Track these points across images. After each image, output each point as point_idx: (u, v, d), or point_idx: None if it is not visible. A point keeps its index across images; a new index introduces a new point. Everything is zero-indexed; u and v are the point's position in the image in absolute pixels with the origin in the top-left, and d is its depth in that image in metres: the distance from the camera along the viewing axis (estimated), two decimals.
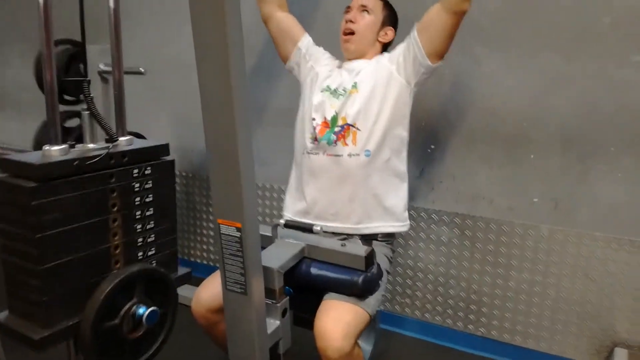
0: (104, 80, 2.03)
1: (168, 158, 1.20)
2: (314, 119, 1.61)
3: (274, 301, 1.30)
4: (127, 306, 1.13)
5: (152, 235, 1.18)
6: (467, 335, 2.08)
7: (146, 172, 1.16)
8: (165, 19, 2.59)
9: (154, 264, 1.21)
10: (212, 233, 2.69)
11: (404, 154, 1.63)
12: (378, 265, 1.40)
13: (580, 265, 1.83)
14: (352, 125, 1.55)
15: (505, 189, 1.93)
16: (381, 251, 1.55)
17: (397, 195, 1.60)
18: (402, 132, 1.60)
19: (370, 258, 1.35)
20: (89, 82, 1.10)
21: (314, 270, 1.39)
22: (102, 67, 2.00)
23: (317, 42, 1.79)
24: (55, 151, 1.07)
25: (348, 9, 1.68)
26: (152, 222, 1.18)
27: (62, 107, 2.07)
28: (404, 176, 1.63)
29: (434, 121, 2.01)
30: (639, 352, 1.77)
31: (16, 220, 1.04)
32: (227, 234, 1.19)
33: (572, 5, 1.74)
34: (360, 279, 1.33)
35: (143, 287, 1.15)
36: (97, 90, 2.03)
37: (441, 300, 2.12)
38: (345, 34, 1.65)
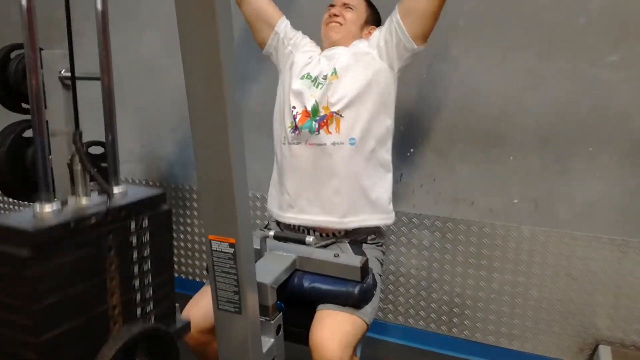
0: (66, 87, 1.90)
1: (165, 207, 1.12)
2: (294, 107, 1.53)
3: (267, 318, 1.24)
4: None
5: (150, 290, 1.09)
6: (452, 339, 2.06)
7: (143, 224, 1.07)
8: (125, 23, 2.47)
9: (153, 320, 1.12)
10: (189, 246, 2.58)
11: (390, 143, 1.57)
12: (373, 274, 1.36)
13: (562, 264, 1.85)
14: (336, 113, 1.48)
15: (485, 190, 1.93)
16: (372, 254, 1.50)
17: (383, 187, 1.54)
18: (387, 120, 1.54)
19: (365, 268, 1.31)
20: (80, 133, 0.99)
21: (307, 283, 1.33)
22: (63, 73, 1.87)
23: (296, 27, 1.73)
24: (48, 213, 0.96)
25: (331, 7, 1.64)
26: (150, 276, 1.09)
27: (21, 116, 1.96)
28: (389, 166, 1.57)
29: (412, 125, 1.99)
30: (622, 349, 1.80)
31: (7, 291, 0.92)
32: (219, 251, 1.12)
33: (548, 5, 1.76)
34: (357, 290, 1.28)
35: (145, 347, 1.07)
36: (58, 97, 1.90)
37: (424, 304, 2.09)
38: (331, 20, 1.60)
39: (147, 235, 1.07)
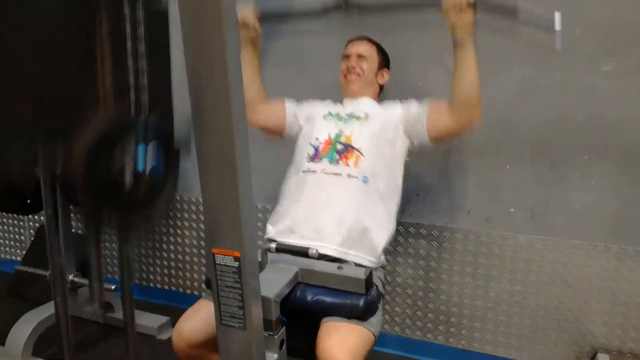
0: None
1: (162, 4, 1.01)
2: (316, 139, 1.60)
3: (271, 333, 1.20)
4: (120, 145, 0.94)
5: (145, 79, 0.99)
6: (449, 349, 2.05)
7: (139, 13, 0.96)
8: None
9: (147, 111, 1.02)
10: (180, 258, 2.53)
11: (398, 200, 1.62)
12: (376, 286, 1.34)
13: (558, 272, 1.85)
14: (357, 149, 1.54)
15: (481, 199, 1.93)
16: (375, 274, 1.48)
17: (382, 235, 1.53)
18: (398, 180, 1.62)
19: (370, 280, 1.29)
20: None
21: (310, 296, 1.30)
22: None
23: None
24: None
25: (346, 57, 1.74)
26: (145, 66, 0.98)
27: None
28: (393, 219, 1.59)
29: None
30: (619, 357, 1.80)
31: None
32: (223, 264, 1.08)
33: (542, 14, 1.76)
34: (362, 302, 1.27)
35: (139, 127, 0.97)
36: None
37: (421, 314, 2.08)
38: (351, 72, 1.70)
39: (142, 26, 0.95)
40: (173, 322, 1.41)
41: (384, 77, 1.78)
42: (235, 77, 0.96)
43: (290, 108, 1.78)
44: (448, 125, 1.55)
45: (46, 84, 0.89)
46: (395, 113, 1.65)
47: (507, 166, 1.87)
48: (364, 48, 1.73)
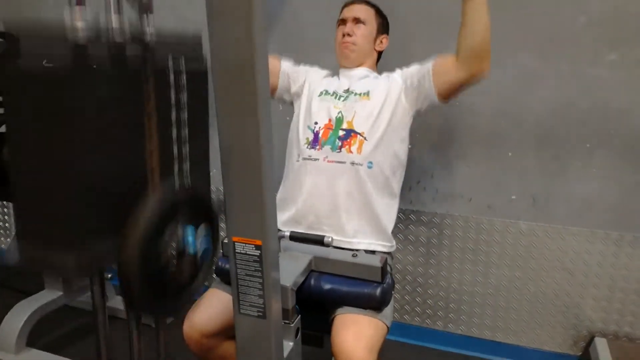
0: None
1: (200, 51, 0.98)
2: (315, 123, 1.53)
3: (287, 321, 1.19)
4: (172, 232, 0.88)
5: (187, 152, 0.95)
6: (448, 334, 2.07)
7: (181, 64, 0.93)
8: None
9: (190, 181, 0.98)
10: None
11: (401, 177, 1.59)
12: (390, 274, 1.33)
13: (559, 259, 1.87)
14: (360, 134, 1.49)
15: (483, 187, 1.94)
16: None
17: (391, 217, 1.53)
18: (402, 155, 1.57)
19: (385, 268, 1.28)
20: None
21: (325, 285, 1.29)
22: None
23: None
24: (81, 19, 0.79)
25: (342, 22, 1.64)
26: (187, 136, 0.95)
27: None
28: (397, 198, 1.57)
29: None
30: (615, 340, 1.84)
31: (42, 120, 0.77)
32: (243, 253, 1.06)
33: (548, 5, 1.77)
34: (378, 291, 1.26)
35: (187, 210, 0.92)
36: None
37: (420, 300, 2.09)
38: (345, 45, 1.60)
39: (184, 82, 0.94)
40: (185, 312, 1.38)
41: (383, 44, 1.66)
42: (262, 58, 0.93)
43: (286, 68, 1.68)
44: (457, 76, 1.45)
45: (97, 178, 0.83)
46: (395, 84, 1.55)
47: (510, 154, 1.88)
48: (362, 11, 1.61)
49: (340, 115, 1.51)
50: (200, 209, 0.96)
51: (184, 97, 0.94)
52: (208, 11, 0.91)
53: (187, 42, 0.96)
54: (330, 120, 1.52)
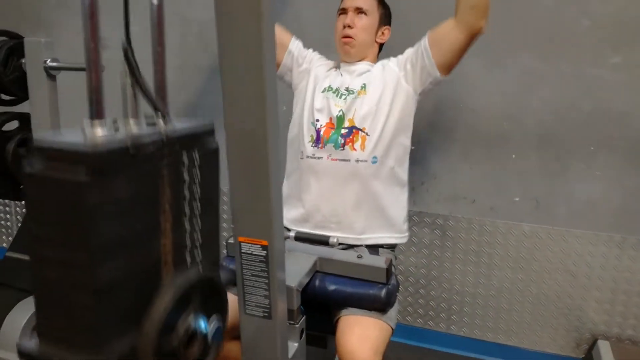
0: (51, 78, 1.78)
1: (214, 144, 1.00)
2: (317, 120, 1.52)
3: (292, 322, 1.19)
4: (185, 321, 0.92)
5: (199, 236, 0.99)
6: (450, 336, 2.07)
7: (195, 161, 0.95)
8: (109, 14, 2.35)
9: (202, 268, 1.02)
10: None
11: (407, 163, 1.58)
12: (395, 275, 1.33)
13: (561, 261, 1.87)
14: (361, 130, 1.48)
15: (486, 188, 1.94)
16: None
17: (399, 206, 1.54)
18: (406, 141, 1.56)
19: (390, 269, 1.28)
20: (132, 50, 0.85)
21: (330, 285, 1.28)
22: (49, 62, 1.75)
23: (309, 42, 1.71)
24: (100, 131, 0.81)
25: (343, 11, 1.59)
26: (199, 220, 0.98)
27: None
28: (405, 186, 1.57)
29: (414, 122, 1.95)
30: (618, 343, 1.84)
31: (61, 223, 0.78)
32: (249, 253, 1.06)
33: (552, 7, 1.77)
34: (383, 292, 1.25)
35: (199, 297, 0.96)
36: (42, 88, 1.78)
37: (422, 302, 2.09)
38: (344, 37, 1.56)
39: (198, 172, 0.96)
40: None
41: (385, 35, 1.62)
42: (269, 60, 0.93)
43: (294, 49, 1.64)
44: (455, 38, 1.42)
45: (116, 278, 0.86)
46: (391, 72, 1.53)
47: (513, 155, 1.88)
48: (364, 1, 1.57)
49: (341, 113, 1.51)
50: (212, 298, 0.99)
51: (197, 189, 0.96)
52: (217, 11, 0.91)
53: (200, 132, 0.98)
54: (331, 118, 1.52)
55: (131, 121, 0.88)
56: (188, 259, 0.96)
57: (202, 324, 0.92)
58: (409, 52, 1.54)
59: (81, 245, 0.78)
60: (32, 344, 0.86)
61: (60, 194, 0.78)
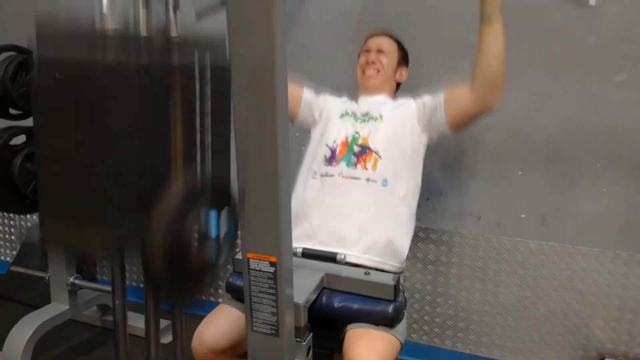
0: None
1: (224, 50, 1.02)
2: (334, 142, 1.56)
3: (299, 339, 1.18)
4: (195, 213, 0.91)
5: (209, 153, 1.00)
6: (456, 354, 2.05)
7: (205, 59, 0.97)
8: None
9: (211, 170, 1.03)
10: None
11: (417, 200, 1.60)
12: (403, 292, 1.33)
13: (568, 278, 1.86)
14: (374, 152, 1.51)
15: (492, 205, 1.94)
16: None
17: (405, 239, 1.52)
18: (418, 179, 1.59)
19: (398, 286, 1.27)
20: None
21: (337, 302, 1.28)
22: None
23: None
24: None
25: (366, 52, 1.69)
26: (209, 136, 0.99)
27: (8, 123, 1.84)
28: (413, 221, 1.58)
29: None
30: None
31: (75, 106, 0.80)
32: (257, 270, 1.06)
33: (558, 25, 1.78)
34: (391, 308, 1.25)
35: (210, 193, 0.97)
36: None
37: (428, 319, 2.08)
38: (370, 67, 1.66)
39: (208, 77, 0.97)
40: (194, 329, 1.37)
41: (403, 75, 1.73)
42: (281, 74, 0.94)
43: (308, 97, 1.72)
44: (469, 107, 1.50)
45: (124, 161, 0.86)
46: (409, 110, 1.60)
47: (519, 172, 1.88)
48: (385, 43, 1.69)
49: (357, 134, 1.55)
50: (221, 195, 0.98)
51: (208, 90, 0.97)
52: (229, 25, 0.92)
53: (212, 40, 0.99)
54: (347, 138, 1.55)
55: (141, 12, 0.88)
56: (198, 158, 0.96)
57: (213, 222, 0.93)
58: (427, 99, 1.59)
59: (90, 125, 0.79)
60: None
61: (74, 75, 0.78)
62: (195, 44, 0.94)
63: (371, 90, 1.67)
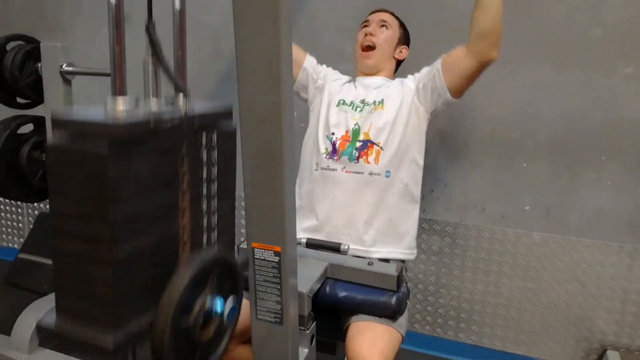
0: (66, 82, 1.81)
1: (232, 126, 1.03)
2: (333, 134, 1.54)
3: (303, 328, 1.20)
4: (201, 300, 0.93)
5: (215, 217, 1.01)
6: (458, 344, 2.07)
7: (213, 142, 0.98)
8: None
9: (217, 249, 1.04)
10: None
11: (420, 181, 1.59)
12: (405, 283, 1.34)
13: (571, 270, 1.87)
14: (376, 144, 1.50)
15: (497, 197, 1.94)
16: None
17: (411, 223, 1.54)
18: (419, 159, 1.57)
19: (400, 277, 1.28)
20: (154, 24, 0.88)
21: (341, 292, 1.30)
22: (65, 67, 1.77)
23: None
24: (122, 105, 0.84)
25: (366, 23, 1.66)
26: (215, 201, 1.01)
27: (16, 111, 1.85)
28: (417, 203, 1.58)
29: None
30: (628, 354, 1.83)
31: (83, 196, 0.80)
32: (262, 259, 1.07)
33: (564, 16, 1.77)
34: (394, 300, 1.26)
35: (216, 277, 0.98)
36: (57, 92, 1.81)
37: (431, 309, 2.09)
38: (365, 48, 1.62)
39: (216, 154, 0.98)
40: None
41: (403, 53, 1.69)
42: (287, 67, 0.95)
43: (307, 66, 1.68)
44: (466, 64, 1.45)
45: (135, 255, 0.88)
46: (408, 89, 1.56)
47: (524, 164, 1.88)
48: (387, 17, 1.66)
49: (357, 127, 1.53)
50: (228, 279, 1.00)
51: (215, 171, 0.99)
52: (235, 18, 0.92)
53: (219, 114, 1.00)
54: (347, 131, 1.54)
55: (152, 99, 0.90)
56: (204, 239, 0.98)
57: (219, 304, 0.93)
58: (424, 70, 1.57)
59: (102, 218, 0.79)
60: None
61: (82, 166, 0.78)
62: (204, 125, 0.96)
63: (369, 70, 1.64)
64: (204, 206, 0.97)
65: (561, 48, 1.79)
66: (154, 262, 0.90)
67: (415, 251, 1.57)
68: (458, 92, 1.51)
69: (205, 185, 0.96)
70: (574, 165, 1.83)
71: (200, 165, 0.95)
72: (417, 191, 1.58)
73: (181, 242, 0.94)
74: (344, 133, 1.54)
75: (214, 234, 1.00)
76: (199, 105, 0.96)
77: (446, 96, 1.51)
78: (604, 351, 1.85)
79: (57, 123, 0.81)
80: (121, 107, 0.83)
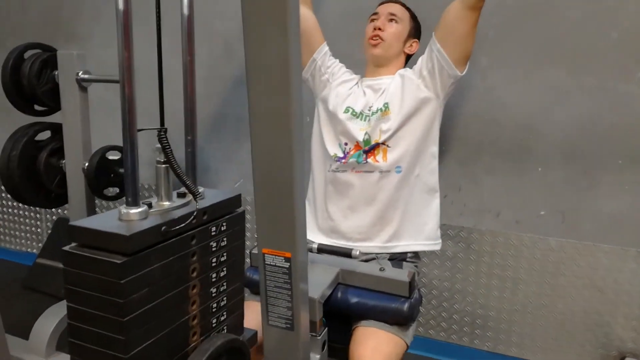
0: (83, 89, 1.84)
1: (240, 210, 1.08)
2: (345, 144, 1.55)
3: (314, 334, 1.20)
4: None
5: (225, 299, 1.06)
6: (473, 351, 2.04)
7: (222, 228, 1.03)
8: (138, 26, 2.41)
9: (226, 330, 1.09)
10: None
11: (435, 166, 1.57)
12: (418, 289, 1.33)
13: (588, 276, 1.84)
14: (382, 143, 1.50)
15: (511, 202, 1.92)
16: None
17: (428, 213, 1.54)
18: (433, 148, 1.55)
19: (413, 283, 1.27)
20: (165, 130, 0.94)
21: (352, 298, 1.29)
22: (81, 74, 1.80)
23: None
24: (135, 215, 0.90)
25: (375, 16, 1.62)
26: (225, 283, 1.05)
27: (34, 119, 1.89)
28: (436, 191, 1.57)
29: (439, 134, 1.96)
30: None
31: (97, 302, 0.85)
32: (272, 265, 1.07)
33: (580, 19, 1.75)
34: (406, 306, 1.25)
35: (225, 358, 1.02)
36: (74, 99, 1.84)
37: (446, 315, 2.07)
38: (373, 38, 1.57)
39: (225, 240, 1.03)
40: None
41: (413, 47, 1.64)
42: (296, 72, 0.95)
43: (319, 58, 1.65)
44: (463, 18, 1.40)
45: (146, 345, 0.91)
46: (411, 81, 1.53)
47: (539, 169, 1.86)
48: (397, 9, 1.61)
49: (367, 137, 1.53)
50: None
51: (224, 252, 1.04)
52: (244, 21, 0.93)
53: (228, 202, 1.06)
54: (358, 142, 1.53)
55: (164, 203, 0.96)
56: (214, 322, 1.02)
57: None
58: (422, 59, 1.54)
59: (115, 319, 0.83)
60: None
61: (97, 272, 0.83)
62: (215, 216, 1.01)
63: (375, 60, 1.60)
64: (214, 290, 1.02)
65: (576, 52, 1.77)
66: (165, 350, 0.93)
67: (439, 241, 1.56)
68: (464, 60, 1.47)
69: (214, 271, 1.02)
70: (590, 169, 1.80)
71: (211, 254, 1.00)
72: (433, 180, 1.56)
73: (191, 327, 0.98)
74: (354, 144, 1.54)
75: (223, 314, 1.06)
76: (209, 194, 1.02)
77: (454, 73, 1.47)
78: (622, 358, 1.82)
79: (74, 230, 0.86)
80: (134, 215, 0.88)
